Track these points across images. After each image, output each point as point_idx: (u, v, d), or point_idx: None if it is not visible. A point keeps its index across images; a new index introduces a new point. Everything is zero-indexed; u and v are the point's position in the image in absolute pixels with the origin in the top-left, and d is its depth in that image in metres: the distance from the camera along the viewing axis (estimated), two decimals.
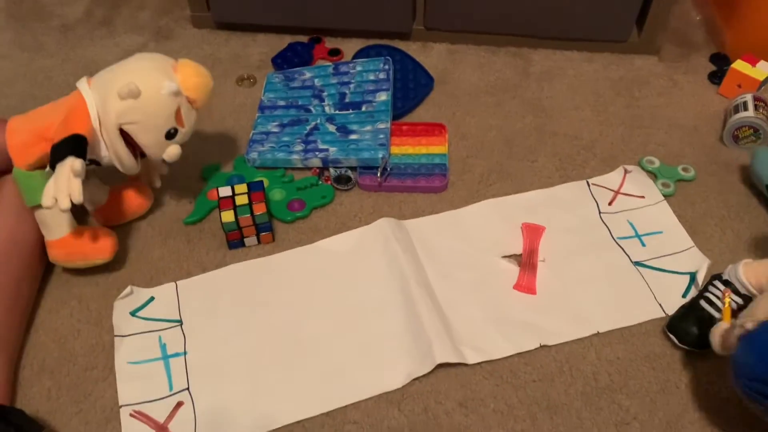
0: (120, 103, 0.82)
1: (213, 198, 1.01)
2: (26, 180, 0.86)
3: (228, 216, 0.92)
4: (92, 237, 0.89)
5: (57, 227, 0.87)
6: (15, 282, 0.85)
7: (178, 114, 0.87)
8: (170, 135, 0.88)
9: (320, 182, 1.04)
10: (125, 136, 0.86)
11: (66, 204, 0.77)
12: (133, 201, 0.97)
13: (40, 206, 0.85)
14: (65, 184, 0.77)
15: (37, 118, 0.87)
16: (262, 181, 0.97)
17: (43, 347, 0.86)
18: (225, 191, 0.95)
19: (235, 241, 0.95)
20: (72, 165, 0.78)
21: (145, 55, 0.88)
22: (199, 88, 0.88)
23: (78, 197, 0.77)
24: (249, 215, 0.93)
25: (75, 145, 0.80)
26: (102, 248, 0.90)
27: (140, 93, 0.82)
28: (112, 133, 0.85)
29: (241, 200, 0.94)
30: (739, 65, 1.16)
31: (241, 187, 0.96)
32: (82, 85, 0.86)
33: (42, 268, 0.91)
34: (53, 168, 0.80)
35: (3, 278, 0.83)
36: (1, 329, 0.81)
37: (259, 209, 0.93)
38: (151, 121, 0.85)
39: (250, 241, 0.96)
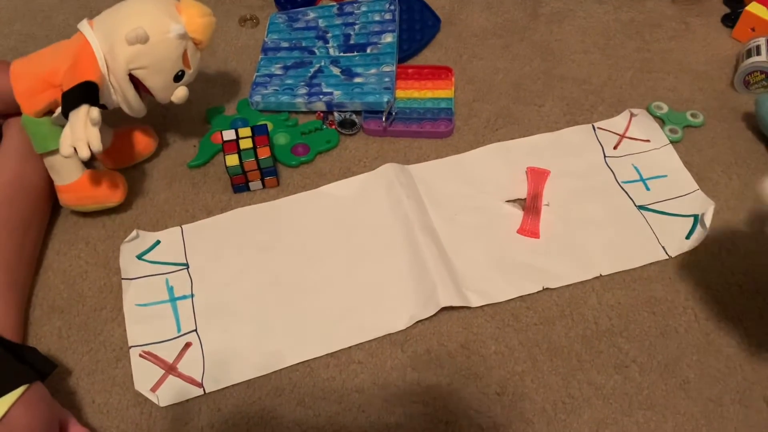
0: (128, 48, 0.82)
1: (217, 141, 1.01)
2: (35, 127, 0.85)
3: (232, 160, 0.92)
4: (103, 180, 0.90)
5: (68, 173, 0.88)
6: (23, 223, 0.85)
7: (184, 56, 0.87)
8: (178, 77, 0.88)
9: (324, 126, 1.03)
10: (133, 80, 0.85)
11: (86, 153, 0.77)
12: (139, 143, 0.97)
13: (50, 153, 0.86)
14: (82, 132, 0.77)
15: (41, 62, 0.85)
16: (266, 125, 0.97)
17: (53, 288, 0.87)
18: (229, 134, 0.95)
19: (239, 185, 0.95)
20: (90, 113, 0.78)
21: None
22: (205, 29, 0.87)
23: (97, 145, 0.77)
24: (253, 159, 0.92)
25: (87, 92, 0.80)
26: (113, 192, 0.91)
27: (148, 38, 0.82)
28: (121, 79, 0.84)
29: (246, 144, 0.94)
30: (753, 8, 1.13)
31: (245, 131, 0.95)
32: (86, 28, 0.84)
33: (49, 209, 0.92)
34: (66, 116, 0.80)
35: (10, 219, 0.84)
36: (11, 270, 0.82)
37: (264, 153, 0.93)
38: (160, 65, 0.85)
39: (255, 185, 0.96)
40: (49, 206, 0.92)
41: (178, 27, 0.84)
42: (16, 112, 0.87)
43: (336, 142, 1.01)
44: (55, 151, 0.85)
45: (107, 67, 0.84)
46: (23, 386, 0.67)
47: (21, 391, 0.66)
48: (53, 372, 0.74)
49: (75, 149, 0.78)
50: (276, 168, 0.96)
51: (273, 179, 0.96)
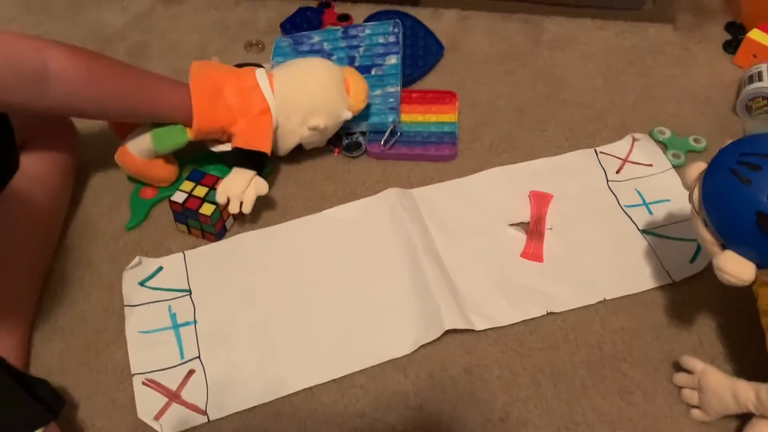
0: (307, 131, 0.94)
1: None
2: (166, 135, 0.91)
3: (208, 209, 0.90)
4: (158, 166, 0.96)
5: (142, 153, 0.93)
6: (38, 248, 0.87)
7: None
8: None
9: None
10: None
11: (234, 210, 0.89)
12: (161, 171, 0.97)
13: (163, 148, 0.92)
14: (241, 191, 0.89)
15: (224, 112, 0.90)
16: (197, 169, 0.95)
17: (55, 308, 0.87)
18: (179, 197, 0.91)
19: (221, 230, 0.93)
20: (258, 187, 0.90)
21: (324, 69, 0.95)
22: (361, 109, 0.98)
23: (248, 210, 0.90)
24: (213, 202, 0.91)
25: (260, 163, 0.91)
26: (162, 175, 0.97)
27: (327, 128, 0.95)
28: (286, 149, 0.97)
29: (200, 191, 0.92)
30: (754, 34, 1.14)
31: (188, 185, 0.92)
32: (270, 96, 0.91)
33: (58, 233, 0.93)
34: (229, 166, 0.91)
35: (27, 243, 0.85)
36: (23, 291, 0.83)
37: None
38: (322, 140, 0.99)
39: (229, 222, 0.95)
40: (58, 231, 0.92)
41: (348, 114, 0.95)
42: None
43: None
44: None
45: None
46: (40, 429, 0.66)
47: None
48: (63, 409, 0.71)
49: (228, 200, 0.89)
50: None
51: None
